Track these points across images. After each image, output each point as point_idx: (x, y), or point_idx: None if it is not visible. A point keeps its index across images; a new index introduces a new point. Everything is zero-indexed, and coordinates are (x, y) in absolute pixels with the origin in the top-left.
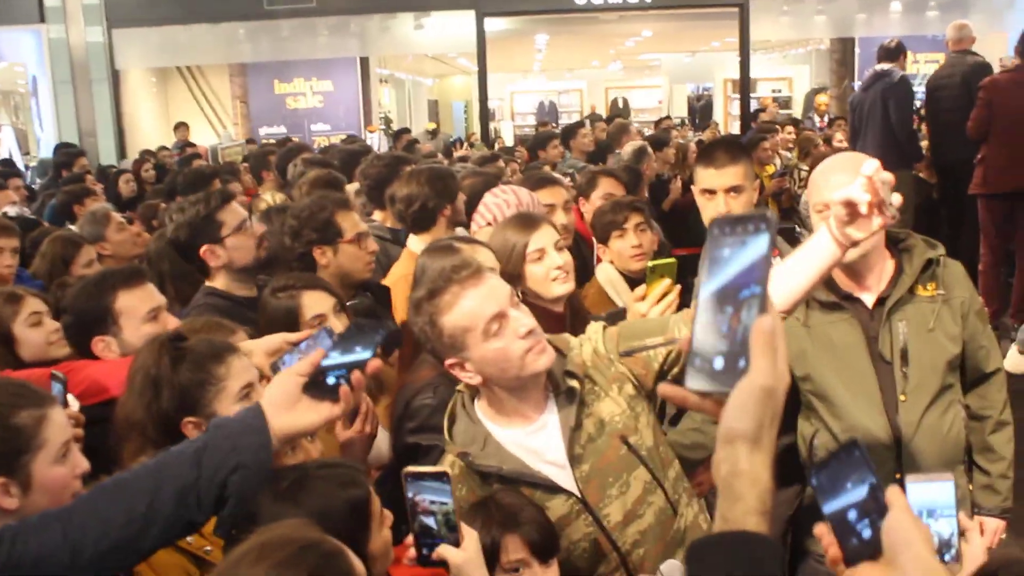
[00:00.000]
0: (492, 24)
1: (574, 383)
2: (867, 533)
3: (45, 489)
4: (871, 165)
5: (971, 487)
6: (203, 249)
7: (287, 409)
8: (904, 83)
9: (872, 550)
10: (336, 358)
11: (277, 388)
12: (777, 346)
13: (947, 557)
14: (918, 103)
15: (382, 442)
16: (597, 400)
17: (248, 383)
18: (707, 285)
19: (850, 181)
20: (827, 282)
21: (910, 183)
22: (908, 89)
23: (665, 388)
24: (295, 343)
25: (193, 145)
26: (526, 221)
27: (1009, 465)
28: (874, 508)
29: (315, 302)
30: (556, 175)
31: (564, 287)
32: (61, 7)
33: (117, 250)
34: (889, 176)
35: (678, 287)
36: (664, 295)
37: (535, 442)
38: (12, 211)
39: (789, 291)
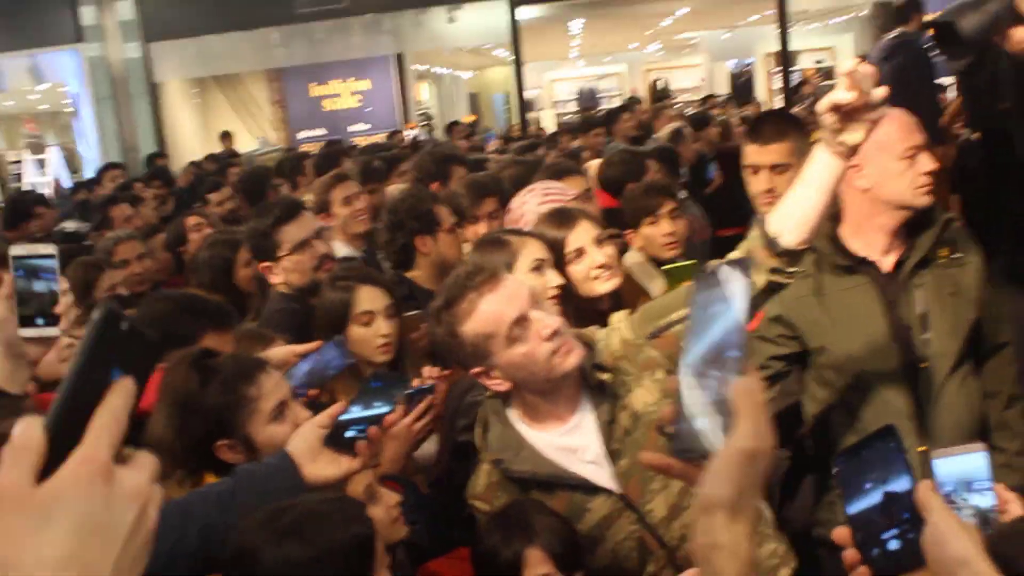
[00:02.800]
0: (525, 12)
1: (605, 376)
2: (894, 545)
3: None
4: (849, 64)
5: None
6: (261, 266)
7: (310, 460)
8: (925, 55)
9: (898, 565)
10: (355, 412)
11: (299, 439)
12: (758, 407)
13: (987, 530)
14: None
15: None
16: (629, 392)
17: (281, 401)
18: (690, 351)
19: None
20: (839, 247)
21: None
22: (929, 63)
23: (648, 456)
24: (302, 355)
25: (237, 155)
26: (562, 219)
27: None
28: (906, 517)
29: (369, 298)
30: (572, 164)
31: (607, 285)
32: (98, 25)
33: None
34: (869, 69)
35: None
36: None
37: (572, 442)
38: (71, 226)
39: (802, 219)
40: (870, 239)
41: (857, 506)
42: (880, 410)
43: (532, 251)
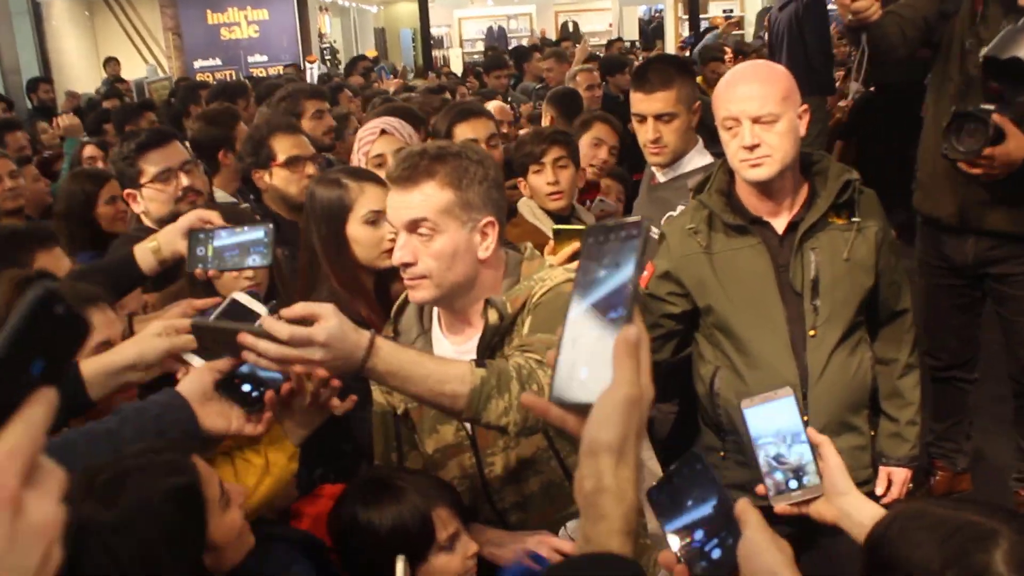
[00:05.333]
0: None
1: (493, 316)
2: (717, 553)
3: None
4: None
5: (873, 433)
6: (125, 192)
7: (199, 405)
8: (819, 3)
9: (723, 571)
10: (250, 368)
11: (192, 381)
12: (641, 357)
13: (806, 481)
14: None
15: None
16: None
17: (106, 339)
18: (576, 304)
19: (757, 92)
20: (734, 204)
21: (823, 108)
22: (823, 11)
23: (528, 398)
24: (201, 309)
25: (124, 81)
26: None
27: (917, 411)
28: (723, 526)
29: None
30: (480, 106)
31: None
32: None
33: None
34: None
35: None
36: (574, 255)
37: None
38: None
39: None
40: (762, 196)
41: (676, 527)
42: (766, 376)
43: (369, 201)
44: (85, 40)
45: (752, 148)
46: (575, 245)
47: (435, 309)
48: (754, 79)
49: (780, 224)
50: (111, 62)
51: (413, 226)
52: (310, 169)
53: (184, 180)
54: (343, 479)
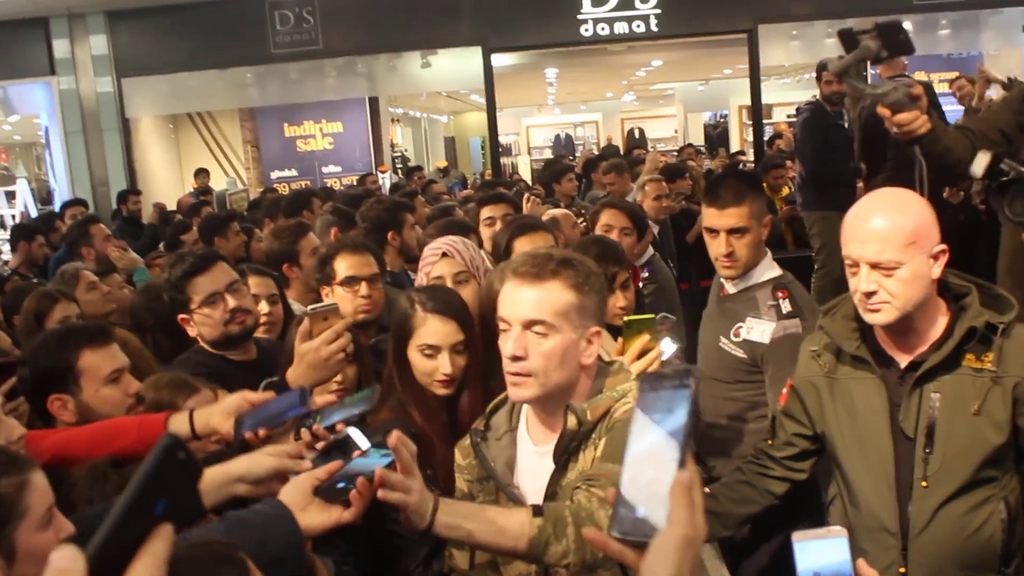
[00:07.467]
0: (500, 59)
1: (572, 422)
2: None
3: (30, 558)
4: None
5: None
6: (179, 318)
7: (300, 510)
8: (809, 118)
9: None
10: (348, 466)
11: (293, 489)
12: (695, 498)
13: None
14: None
15: None
16: (594, 448)
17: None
18: (634, 443)
19: (879, 234)
20: (865, 335)
21: (837, 224)
22: (814, 124)
23: (589, 533)
24: (255, 403)
25: (210, 192)
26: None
27: None
28: None
29: None
30: (540, 220)
31: None
32: (71, 59)
33: (86, 310)
34: None
35: (656, 345)
36: (643, 351)
37: (537, 462)
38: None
39: None
40: (892, 331)
41: None
42: (866, 518)
43: (428, 334)
44: (169, 153)
45: (869, 295)
46: (644, 339)
47: (524, 409)
48: (881, 216)
49: (904, 360)
50: (201, 173)
51: (529, 324)
52: (364, 290)
53: (231, 301)
54: None
